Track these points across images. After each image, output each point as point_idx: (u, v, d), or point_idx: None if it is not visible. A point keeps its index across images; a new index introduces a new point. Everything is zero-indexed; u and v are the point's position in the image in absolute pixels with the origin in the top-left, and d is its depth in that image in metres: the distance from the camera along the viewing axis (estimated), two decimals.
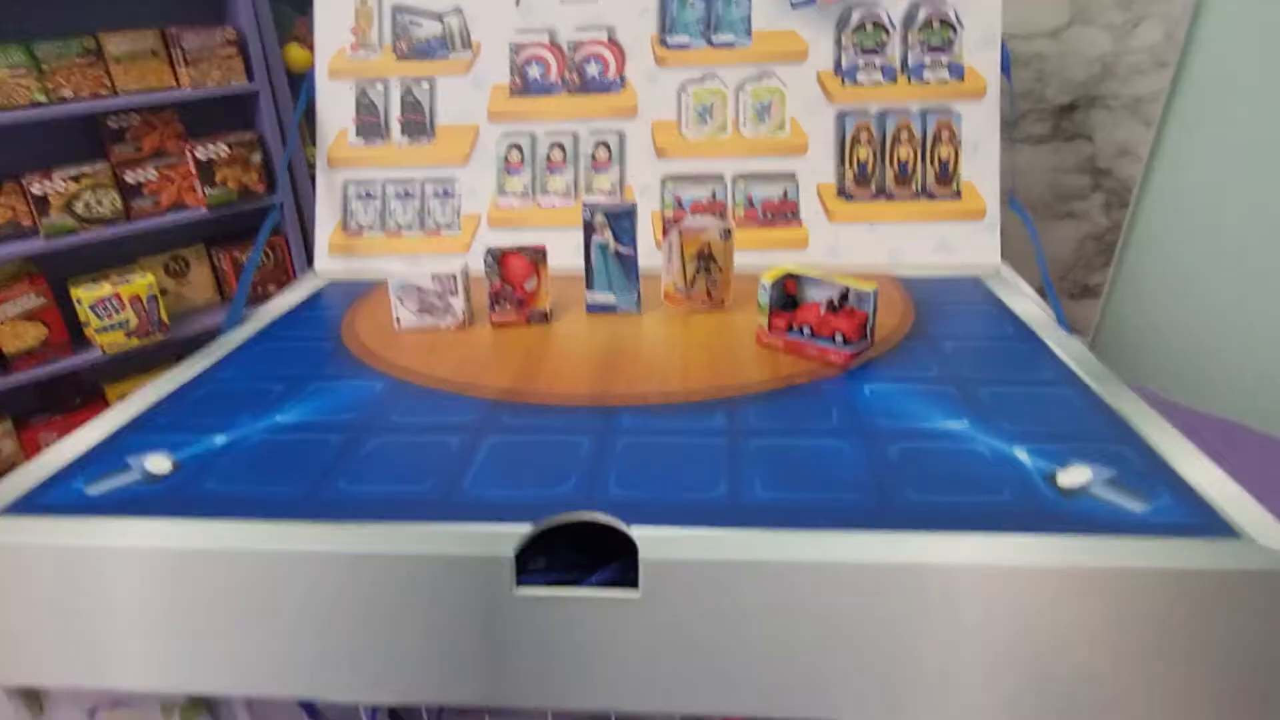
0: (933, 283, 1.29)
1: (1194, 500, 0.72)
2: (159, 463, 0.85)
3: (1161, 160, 1.79)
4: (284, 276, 1.76)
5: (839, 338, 1.01)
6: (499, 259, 1.15)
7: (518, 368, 1.04)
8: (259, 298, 1.68)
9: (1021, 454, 0.80)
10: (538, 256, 1.16)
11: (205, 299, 1.76)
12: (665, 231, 1.16)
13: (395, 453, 0.85)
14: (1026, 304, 1.20)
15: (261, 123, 1.66)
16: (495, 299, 1.16)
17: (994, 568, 0.66)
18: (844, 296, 1.02)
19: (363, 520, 0.74)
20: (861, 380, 0.97)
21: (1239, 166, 1.66)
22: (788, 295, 1.08)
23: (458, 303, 1.16)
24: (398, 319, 1.17)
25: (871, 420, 0.87)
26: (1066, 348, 1.04)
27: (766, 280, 1.04)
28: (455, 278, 1.14)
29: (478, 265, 1.20)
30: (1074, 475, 0.76)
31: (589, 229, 1.17)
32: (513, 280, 1.16)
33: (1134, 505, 0.72)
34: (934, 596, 0.66)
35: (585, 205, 1.16)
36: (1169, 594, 0.65)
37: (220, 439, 0.89)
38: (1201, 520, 0.69)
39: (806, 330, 1.03)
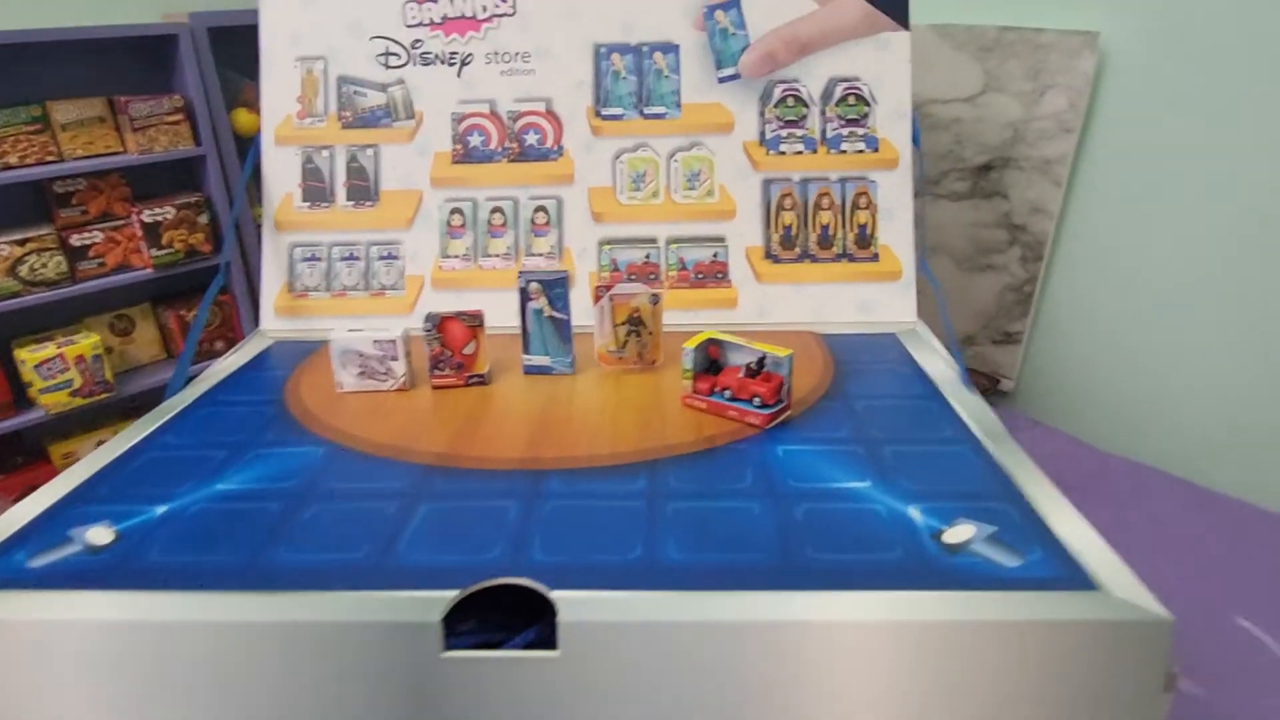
0: (853, 340, 1.37)
1: (1062, 555, 0.80)
2: (101, 534, 0.88)
3: (1071, 218, 1.91)
4: (231, 333, 1.79)
5: (757, 401, 1.08)
6: (438, 325, 1.20)
7: (455, 431, 1.09)
8: (206, 354, 1.71)
9: (915, 512, 0.88)
10: (475, 321, 1.22)
11: (151, 355, 1.78)
12: (596, 298, 1.23)
13: (333, 520, 0.90)
14: (936, 362, 1.28)
15: (209, 185, 1.70)
16: (435, 363, 1.22)
17: (879, 623, 0.73)
18: (761, 361, 1.10)
19: (300, 589, 0.79)
20: (777, 441, 1.04)
21: (1142, 223, 1.79)
22: (710, 359, 1.15)
23: (398, 367, 1.21)
24: (340, 382, 1.22)
25: (782, 481, 0.94)
26: (967, 406, 1.13)
27: (689, 346, 1.11)
28: (395, 343, 1.19)
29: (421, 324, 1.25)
30: (958, 533, 0.83)
31: (524, 296, 1.23)
32: (452, 345, 1.22)
33: (1009, 560, 0.79)
34: (824, 652, 0.72)
35: (521, 274, 1.22)
36: (1035, 645, 0.72)
37: (162, 508, 0.93)
38: (1067, 574, 0.77)
39: (727, 393, 1.10)
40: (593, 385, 1.23)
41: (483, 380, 1.23)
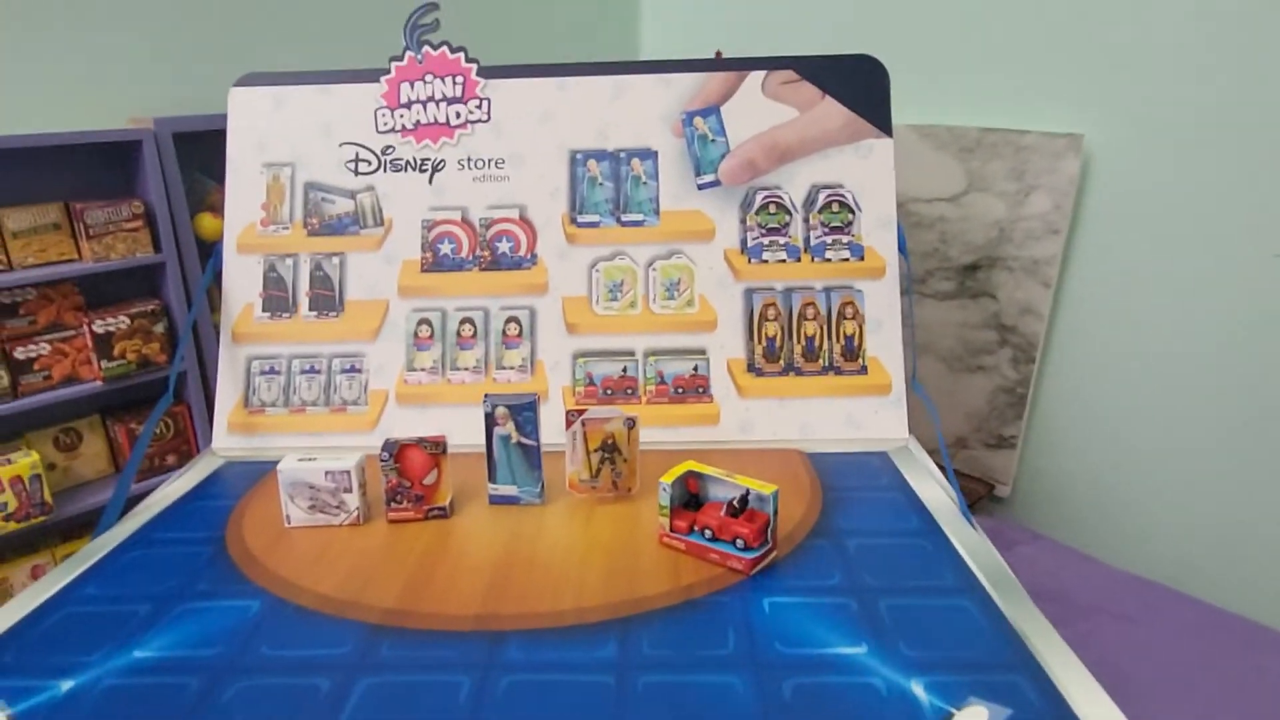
0: (842, 460, 1.29)
1: None
2: None
3: (1062, 318, 1.86)
4: (185, 445, 1.69)
5: (740, 543, 0.99)
6: (396, 453, 1.11)
7: (408, 578, 0.99)
8: (159, 469, 1.61)
9: (918, 689, 0.78)
10: (437, 449, 1.13)
11: (98, 471, 1.67)
12: (569, 424, 1.14)
13: (258, 700, 0.79)
14: (932, 487, 1.20)
15: (167, 292, 1.63)
16: (392, 495, 1.12)
17: None
18: (745, 499, 1.01)
19: None
20: (762, 591, 0.94)
21: (1134, 323, 1.74)
22: (690, 493, 1.07)
23: (351, 500, 1.11)
24: (287, 516, 1.12)
25: (768, 645, 0.84)
26: (968, 545, 1.04)
27: (666, 481, 1.02)
28: (349, 474, 1.10)
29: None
30: (970, 718, 0.73)
31: (490, 421, 1.14)
32: (411, 475, 1.12)
33: None
34: None
35: (486, 398, 1.14)
36: None
37: (67, 684, 0.82)
38: None
39: (708, 533, 1.01)
40: (562, 518, 1.13)
41: (444, 513, 1.14)
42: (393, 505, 1.12)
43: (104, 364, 1.54)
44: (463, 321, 1.44)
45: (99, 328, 1.52)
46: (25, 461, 1.45)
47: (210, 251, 1.53)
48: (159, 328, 1.60)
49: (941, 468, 1.26)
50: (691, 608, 0.91)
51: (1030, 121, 1.80)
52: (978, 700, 0.75)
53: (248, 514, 1.17)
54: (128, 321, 1.55)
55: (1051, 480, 1.95)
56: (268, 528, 1.12)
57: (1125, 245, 1.73)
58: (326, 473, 1.10)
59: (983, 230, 1.90)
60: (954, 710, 0.75)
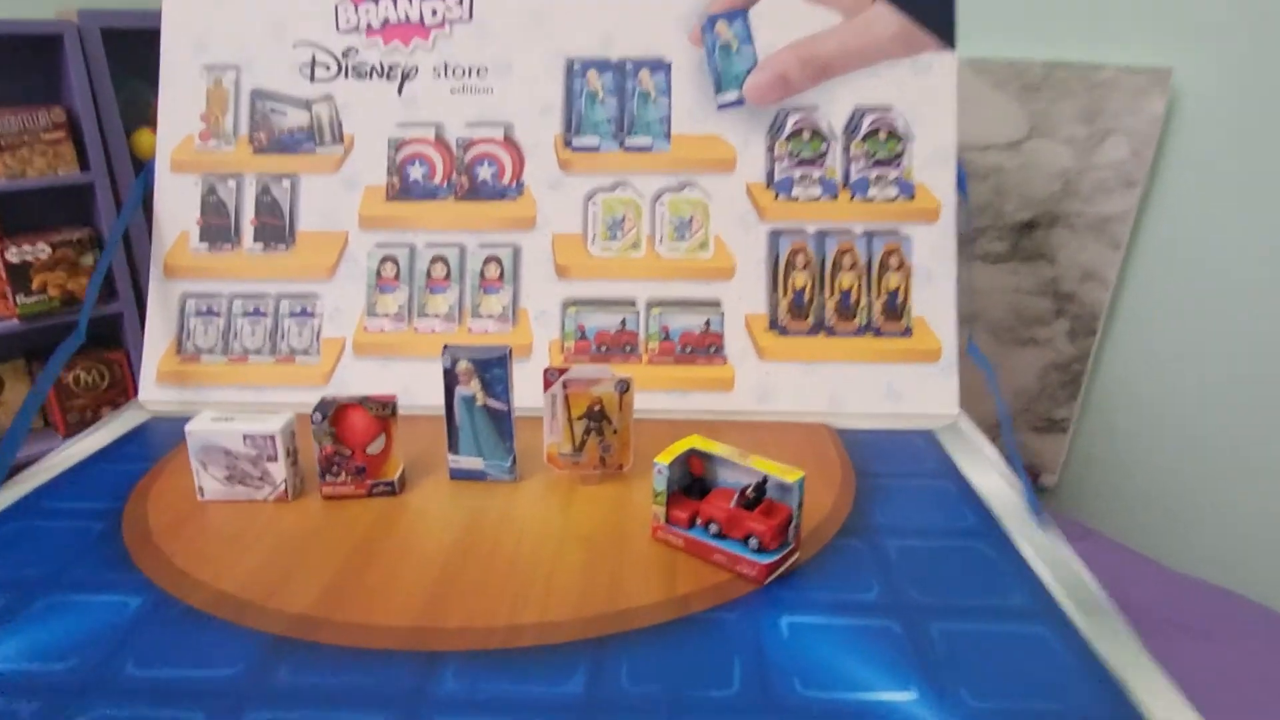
0: (878, 439, 1.07)
1: None
2: None
3: (1130, 286, 1.62)
4: (123, 399, 1.49)
5: (753, 543, 0.77)
6: (332, 415, 0.90)
7: (333, 574, 0.78)
8: (88, 425, 1.41)
9: None
10: (385, 411, 0.92)
11: None
12: (547, 384, 0.93)
13: None
14: (989, 476, 0.98)
15: (99, 218, 1.41)
16: (327, 466, 0.91)
17: None
18: (761, 487, 0.79)
19: None
20: (779, 608, 0.73)
21: (1216, 295, 1.50)
22: (693, 477, 0.85)
23: (277, 470, 0.91)
24: (200, 488, 0.91)
25: (786, 686, 0.63)
26: (1040, 550, 0.82)
27: (663, 461, 0.81)
28: (274, 439, 0.89)
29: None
30: None
31: (450, 378, 0.93)
32: (351, 442, 0.91)
33: None
34: None
35: (445, 350, 0.92)
36: None
37: None
38: None
39: (714, 528, 0.80)
40: (536, 501, 0.92)
41: (391, 489, 0.93)
42: (328, 479, 0.92)
43: (20, 299, 1.33)
44: (434, 260, 1.22)
45: (13, 256, 1.32)
46: None
47: None
48: (88, 259, 1.39)
49: (1003, 452, 1.04)
50: (687, 627, 0.70)
51: (1108, 54, 1.54)
52: None
53: (159, 483, 0.96)
54: (48, 250, 1.34)
55: (1105, 470, 1.73)
56: (178, 501, 0.92)
57: (1212, 203, 1.49)
58: (246, 436, 0.89)
59: (1044, 182, 1.65)
60: None
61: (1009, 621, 0.71)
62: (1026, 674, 0.65)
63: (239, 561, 0.80)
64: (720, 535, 0.79)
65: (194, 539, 0.84)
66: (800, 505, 0.78)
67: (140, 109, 1.47)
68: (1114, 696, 0.62)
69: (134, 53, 1.41)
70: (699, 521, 0.81)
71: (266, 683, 0.63)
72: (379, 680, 0.63)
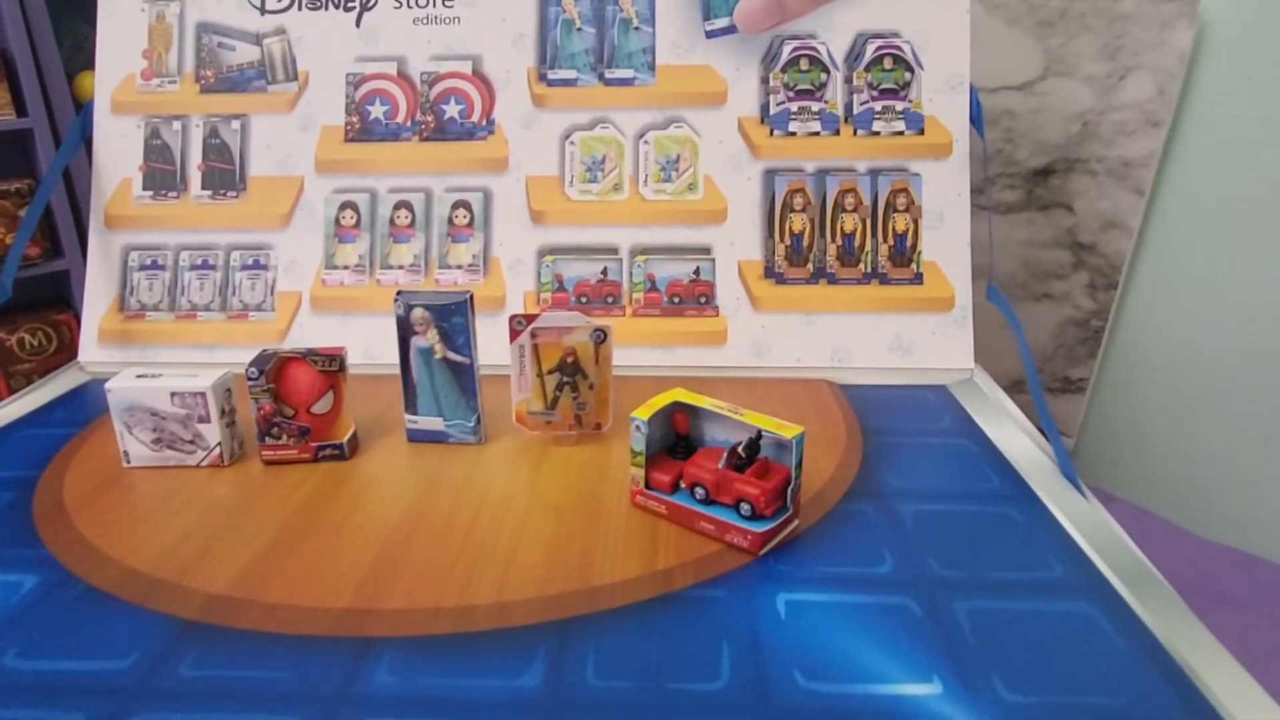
0: (886, 394, 0.97)
1: None
2: None
3: (1154, 236, 1.51)
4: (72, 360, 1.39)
5: (746, 508, 0.67)
6: (271, 370, 0.80)
7: (261, 549, 0.68)
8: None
9: None
10: (332, 365, 0.81)
11: None
12: (514, 334, 0.82)
13: None
14: (1012, 433, 0.88)
15: (40, 168, 1.30)
16: (266, 427, 0.81)
17: None
18: (755, 444, 0.69)
19: None
20: (775, 584, 0.63)
21: (1246, 243, 1.38)
22: (677, 435, 0.75)
23: (210, 432, 0.80)
24: (125, 453, 0.81)
25: (783, 678, 0.53)
26: (1076, 517, 0.72)
27: (641, 416, 0.70)
28: (204, 396, 0.79)
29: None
30: None
31: (405, 328, 0.82)
32: (295, 401, 0.81)
33: None
34: None
35: (398, 297, 0.82)
36: None
37: None
38: None
39: (700, 492, 0.69)
40: (502, 465, 0.82)
41: (339, 453, 0.83)
42: (268, 440, 0.81)
43: None
44: (397, 206, 1.11)
45: None
46: None
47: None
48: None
49: (1025, 409, 0.93)
50: (667, 608, 0.60)
51: None
52: None
53: (83, 449, 0.86)
54: None
55: (1125, 432, 1.62)
56: (101, 468, 0.82)
57: (1243, 143, 1.37)
58: (174, 394, 0.79)
59: (1061, 125, 1.53)
60: None
61: (1048, 598, 0.61)
62: (1074, 661, 0.55)
63: (156, 535, 0.70)
64: (707, 500, 0.69)
65: (110, 510, 0.74)
66: (799, 465, 0.67)
67: (84, 53, 1.35)
68: (1183, 687, 0.52)
69: None
70: (683, 485, 0.71)
71: (162, 676, 0.54)
72: (298, 674, 0.53)
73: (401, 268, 1.10)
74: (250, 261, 1.12)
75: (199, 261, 1.12)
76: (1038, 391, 0.88)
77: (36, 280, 1.29)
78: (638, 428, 0.70)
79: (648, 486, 0.72)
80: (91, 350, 1.11)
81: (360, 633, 0.57)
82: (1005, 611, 0.59)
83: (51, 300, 1.41)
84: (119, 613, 0.60)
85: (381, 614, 0.59)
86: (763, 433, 0.68)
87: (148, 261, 1.13)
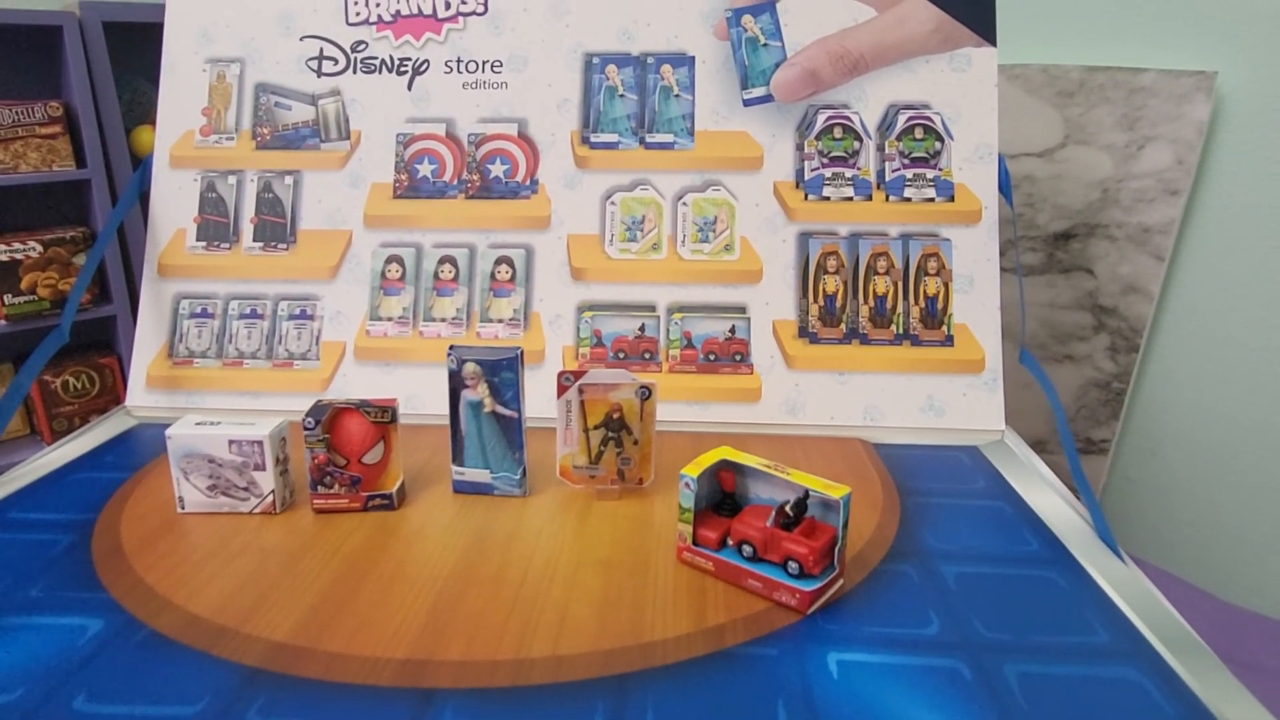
0: (918, 455, 0.99)
1: None
2: None
3: (1174, 300, 1.53)
4: (114, 406, 1.42)
5: (794, 567, 0.68)
6: (326, 421, 0.82)
7: (318, 597, 0.69)
8: (72, 430, 1.34)
9: None
10: (385, 418, 0.84)
11: (11, 430, 1.40)
12: (561, 390, 0.85)
13: None
14: (1047, 495, 0.89)
15: (95, 218, 1.35)
16: (319, 477, 0.83)
17: None
18: (802, 503, 0.70)
19: None
20: (826, 643, 0.64)
21: (1265, 308, 1.41)
22: (724, 493, 0.77)
23: (265, 479, 0.82)
24: (180, 499, 0.83)
25: None
26: (1117, 582, 0.73)
27: (691, 474, 0.72)
28: (262, 445, 0.81)
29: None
30: None
31: (456, 382, 0.85)
32: (347, 450, 0.83)
33: None
34: None
35: (451, 351, 0.85)
36: None
37: None
38: None
39: (748, 549, 0.71)
40: (547, 519, 0.83)
41: (389, 503, 0.84)
42: (320, 489, 0.83)
43: (7, 299, 1.26)
44: (442, 261, 1.14)
45: (1, 254, 1.25)
46: None
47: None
48: (81, 259, 1.32)
49: (1060, 472, 0.95)
50: (721, 665, 0.61)
51: (1149, 57, 1.47)
52: None
53: (137, 493, 0.88)
54: (39, 249, 1.27)
55: (1147, 495, 1.63)
56: (155, 513, 0.84)
57: (1262, 212, 1.40)
58: (232, 442, 0.81)
59: (1081, 192, 1.57)
60: None
61: (1095, 663, 0.62)
62: None
63: (215, 581, 0.71)
64: (755, 558, 0.71)
65: (168, 555, 0.76)
66: (846, 525, 0.69)
67: (142, 108, 1.41)
68: None
69: (137, 48, 1.36)
70: (730, 542, 0.72)
71: None
72: None
73: (444, 320, 1.13)
74: (297, 311, 1.15)
75: (248, 310, 1.15)
76: (1073, 454, 0.90)
77: (83, 325, 1.32)
78: (687, 485, 0.72)
79: (695, 543, 0.73)
80: (139, 395, 1.14)
81: (421, 684, 0.58)
82: (1054, 677, 0.60)
83: (96, 344, 1.44)
84: (184, 658, 0.62)
85: (440, 665, 0.60)
86: (810, 492, 0.70)
87: (198, 309, 1.16)
